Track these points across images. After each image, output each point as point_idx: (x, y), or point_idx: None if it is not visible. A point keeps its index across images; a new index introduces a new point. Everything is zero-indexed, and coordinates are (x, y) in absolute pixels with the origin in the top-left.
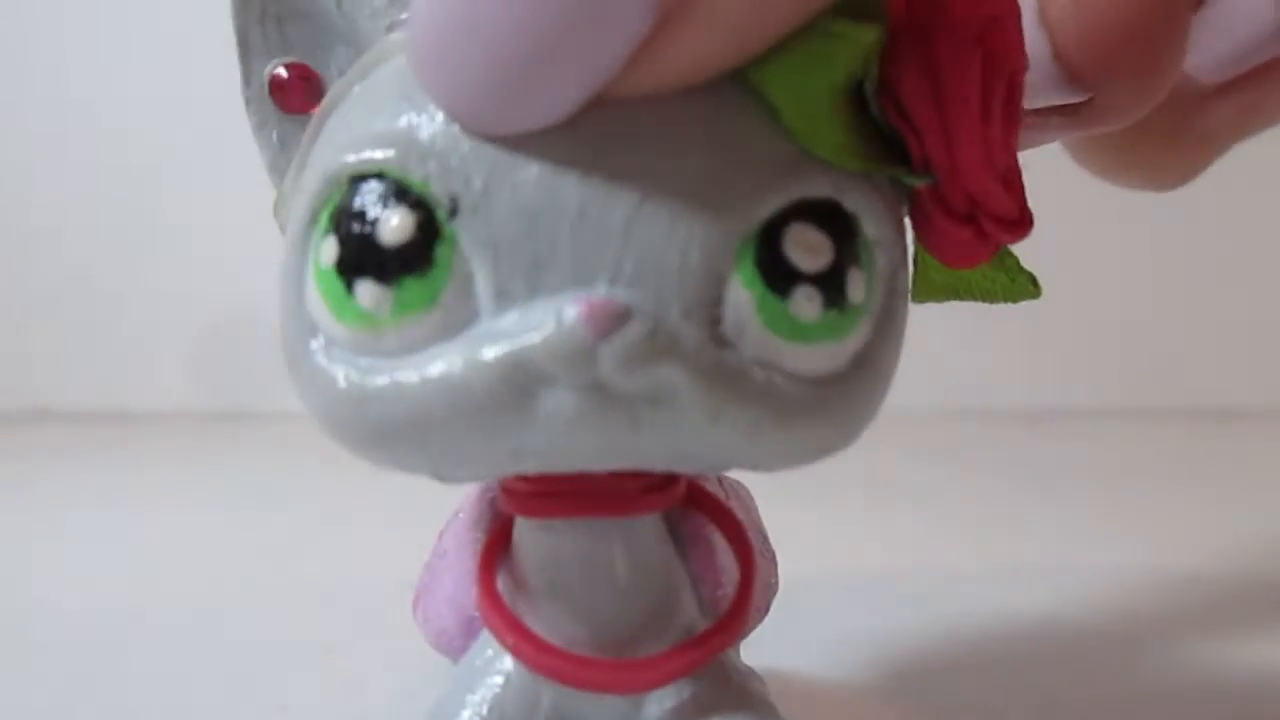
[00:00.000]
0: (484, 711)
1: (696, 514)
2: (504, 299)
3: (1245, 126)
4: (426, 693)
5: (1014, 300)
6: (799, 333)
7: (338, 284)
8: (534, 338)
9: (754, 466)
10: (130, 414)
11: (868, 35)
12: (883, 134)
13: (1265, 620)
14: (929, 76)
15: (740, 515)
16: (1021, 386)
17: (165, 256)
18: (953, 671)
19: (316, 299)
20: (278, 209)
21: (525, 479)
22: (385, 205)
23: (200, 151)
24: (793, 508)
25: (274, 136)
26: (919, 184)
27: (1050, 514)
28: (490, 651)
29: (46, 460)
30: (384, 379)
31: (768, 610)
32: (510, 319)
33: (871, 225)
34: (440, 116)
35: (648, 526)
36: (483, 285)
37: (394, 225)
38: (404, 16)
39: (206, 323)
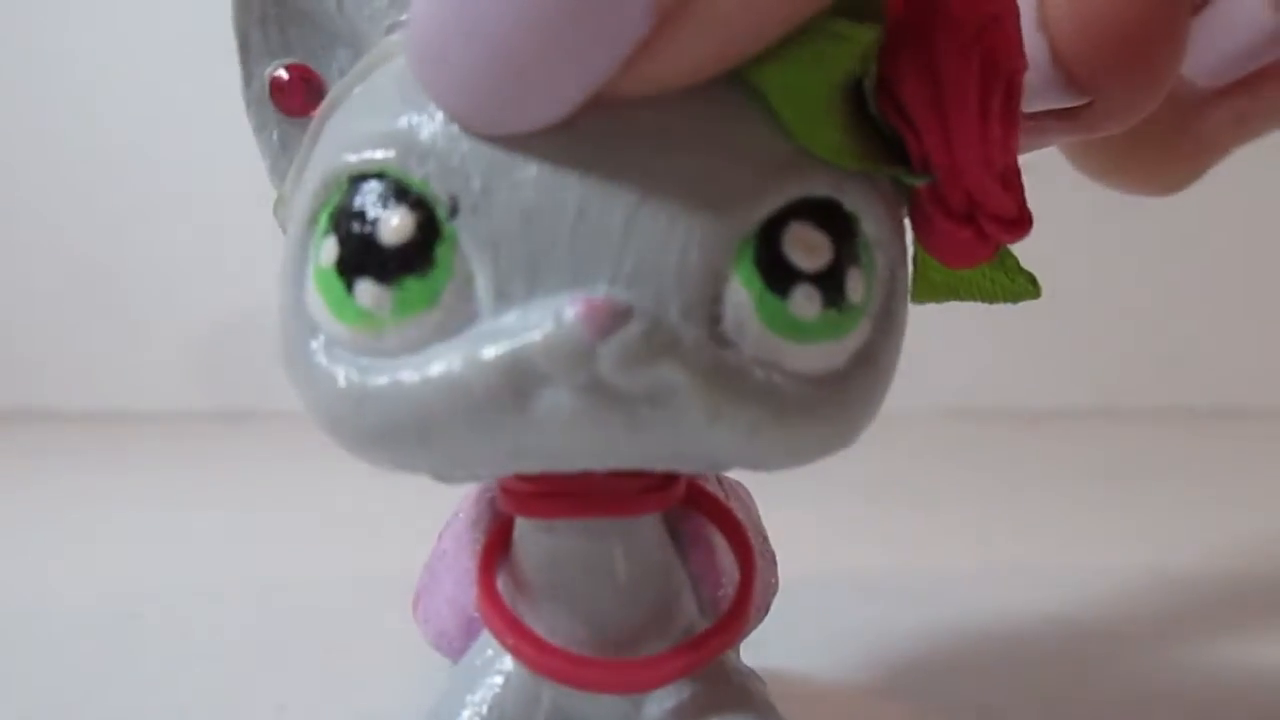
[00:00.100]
0: (484, 711)
1: (696, 514)
2: (504, 299)
3: (1243, 131)
4: (426, 693)
5: (1013, 300)
6: (798, 332)
7: (338, 284)
8: (534, 337)
9: (754, 466)
10: (130, 414)
11: (866, 35)
12: (882, 133)
13: (1265, 620)
14: (928, 76)
15: (740, 515)
16: (1021, 386)
17: (165, 256)
18: (952, 671)
19: (316, 299)
20: (278, 209)
21: (525, 479)
22: (385, 205)
23: (200, 151)
24: (793, 508)
25: (274, 138)
26: (918, 184)
27: (1050, 514)
28: (490, 651)
29: (46, 460)
30: (384, 379)
31: (768, 610)
32: (510, 318)
33: (871, 225)
34: (440, 116)
35: (647, 527)
36: (483, 285)
37: (394, 225)
38: (404, 18)
39: (206, 323)
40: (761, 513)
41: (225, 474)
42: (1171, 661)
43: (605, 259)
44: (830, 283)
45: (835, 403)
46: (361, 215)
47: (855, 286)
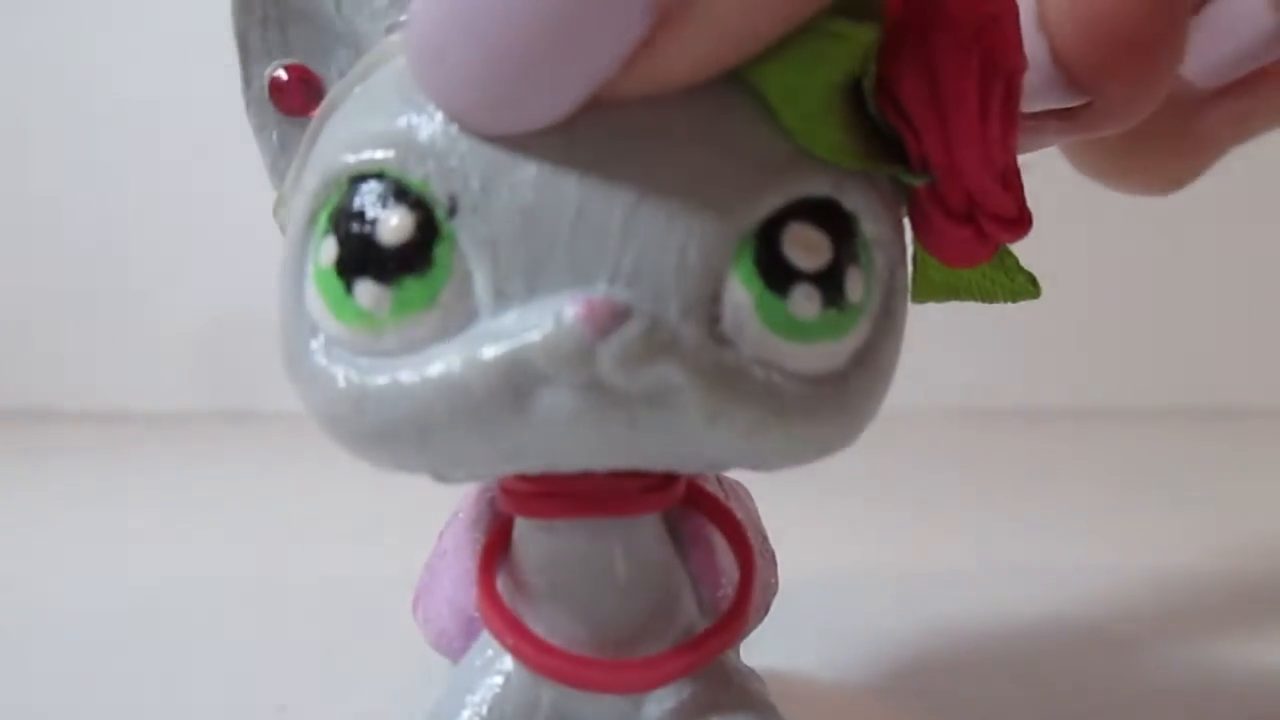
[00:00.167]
0: (484, 711)
1: (696, 514)
2: (503, 298)
3: (1242, 131)
4: (426, 693)
5: (1013, 300)
6: (798, 332)
7: (337, 284)
8: (533, 337)
9: (754, 466)
10: (130, 414)
11: (865, 35)
12: (881, 133)
13: (1265, 620)
14: (927, 75)
15: (740, 515)
16: (1021, 386)
17: (165, 256)
18: (952, 671)
19: (316, 299)
20: (277, 210)
21: (525, 479)
22: (384, 205)
23: (200, 151)
24: (792, 508)
25: (274, 138)
26: (917, 183)
27: (1050, 514)
28: (490, 652)
29: (46, 460)
30: (383, 379)
31: (767, 610)
32: (509, 318)
33: (870, 224)
34: (439, 117)
35: (647, 527)
36: (481, 284)
37: (393, 225)
38: (403, 18)
39: (206, 323)
40: (761, 513)
41: (225, 474)
42: (1171, 661)
43: (604, 258)
44: (830, 282)
45: (835, 403)
46: (361, 215)
47: (855, 286)
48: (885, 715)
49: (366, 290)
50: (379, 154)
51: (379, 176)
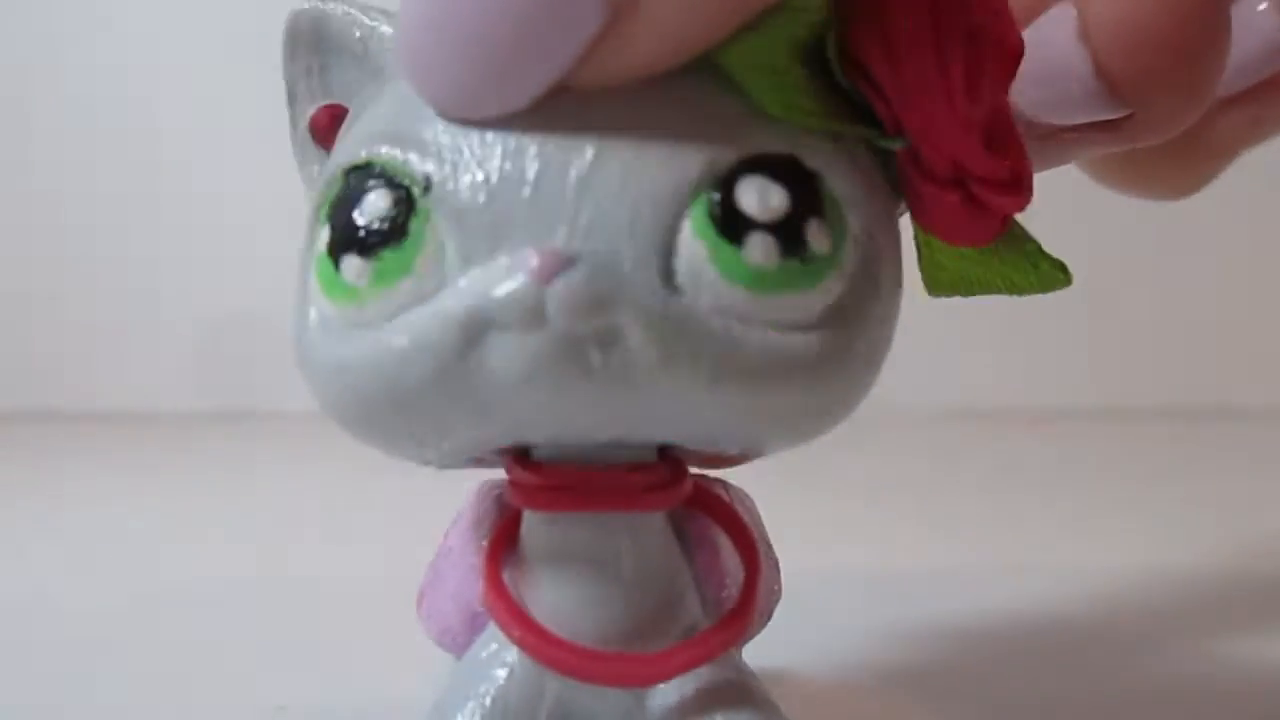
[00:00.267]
0: (487, 704)
1: (702, 516)
2: (469, 262)
3: (1252, 137)
4: (427, 692)
5: (1044, 290)
6: (757, 281)
7: (328, 264)
8: (485, 287)
9: (738, 437)
10: (130, 414)
11: (810, 3)
12: (853, 100)
13: (1265, 620)
14: (882, 36)
15: (745, 519)
16: (1021, 386)
17: (165, 256)
18: (952, 671)
19: (314, 283)
20: None
21: (532, 472)
22: (368, 189)
23: (201, 152)
24: (793, 508)
25: (316, 172)
26: (893, 146)
27: (1050, 514)
28: (495, 645)
29: (46, 460)
30: (361, 348)
31: (770, 616)
32: (470, 276)
33: (837, 183)
34: (424, 114)
35: (654, 524)
36: (452, 253)
37: (374, 203)
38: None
39: (207, 323)
40: (762, 512)
41: (225, 474)
42: (1171, 661)
43: (561, 216)
44: (788, 232)
45: (805, 359)
46: (348, 200)
47: (819, 239)
48: (885, 715)
49: (350, 265)
50: (370, 149)
51: (368, 167)
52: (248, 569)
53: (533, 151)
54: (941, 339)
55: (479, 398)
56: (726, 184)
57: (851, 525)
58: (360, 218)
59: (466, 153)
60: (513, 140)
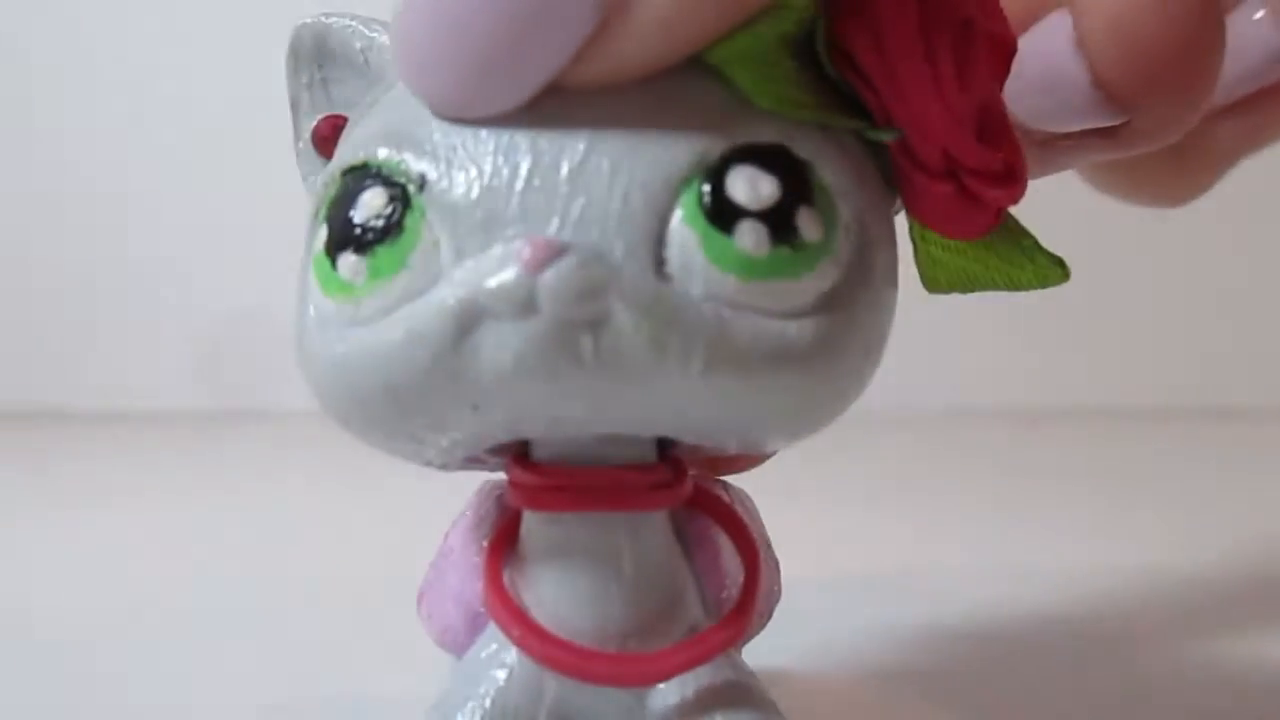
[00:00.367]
0: (487, 704)
1: (702, 516)
2: (462, 256)
3: (1250, 145)
4: (427, 692)
5: (1042, 285)
6: (748, 268)
7: (325, 263)
8: (477, 278)
9: (732, 428)
10: (130, 414)
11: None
12: (842, 92)
13: (1265, 620)
14: (871, 30)
15: (745, 519)
16: (1021, 386)
17: (165, 256)
18: (952, 671)
19: (313, 282)
20: None
21: (534, 472)
22: (364, 187)
23: (201, 152)
24: (793, 508)
25: (318, 182)
26: (883, 138)
27: (1050, 514)
28: (495, 645)
29: (47, 460)
30: (357, 345)
31: (770, 616)
32: (463, 268)
33: (828, 173)
34: (420, 115)
35: (655, 524)
36: (446, 248)
37: (369, 202)
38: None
39: (207, 322)
40: (762, 512)
41: (225, 474)
42: (1171, 661)
43: (553, 209)
44: (778, 220)
45: (797, 347)
46: (345, 199)
47: (809, 226)
48: (885, 715)
49: (346, 262)
50: (367, 150)
51: (364, 167)
52: (248, 568)
53: (525, 147)
54: (941, 339)
55: (473, 389)
56: (717, 173)
57: (851, 525)
58: (356, 215)
59: (460, 150)
60: (505, 137)
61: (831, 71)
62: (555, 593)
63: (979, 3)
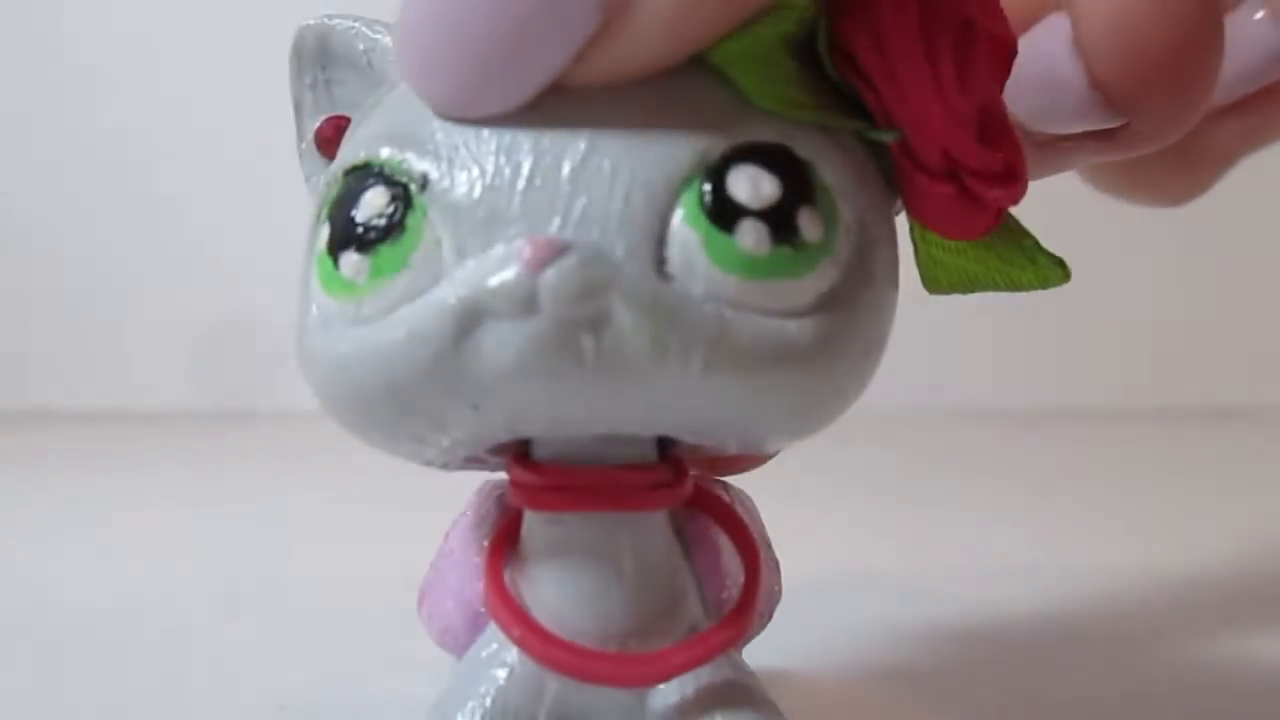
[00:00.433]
0: (488, 704)
1: (702, 516)
2: (464, 255)
3: (1250, 145)
4: (427, 693)
5: (1043, 287)
6: (749, 268)
7: (327, 262)
8: (479, 277)
9: (732, 428)
10: (130, 414)
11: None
12: (843, 93)
13: (1265, 620)
14: (872, 30)
15: (745, 519)
16: (1021, 386)
17: (165, 256)
18: (952, 671)
19: (315, 281)
20: None
21: (534, 472)
22: (367, 187)
23: (201, 152)
24: (793, 508)
25: (321, 182)
26: (884, 138)
27: (1050, 514)
28: (495, 645)
29: (46, 460)
30: (358, 344)
31: (770, 617)
32: (465, 268)
33: (828, 172)
34: (422, 115)
35: (655, 524)
36: (448, 247)
37: (372, 201)
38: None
39: (206, 323)
40: (762, 512)
41: (225, 474)
42: (1171, 661)
43: (554, 209)
44: (779, 219)
45: (798, 347)
46: (347, 198)
47: (810, 226)
48: (885, 715)
49: (349, 261)
50: (369, 150)
51: (366, 167)
52: (247, 569)
53: (526, 147)
54: (941, 339)
55: (474, 388)
56: (718, 173)
57: (851, 525)
58: (358, 215)
59: (462, 150)
60: (507, 137)
61: (832, 72)
62: (556, 592)
63: (980, 3)
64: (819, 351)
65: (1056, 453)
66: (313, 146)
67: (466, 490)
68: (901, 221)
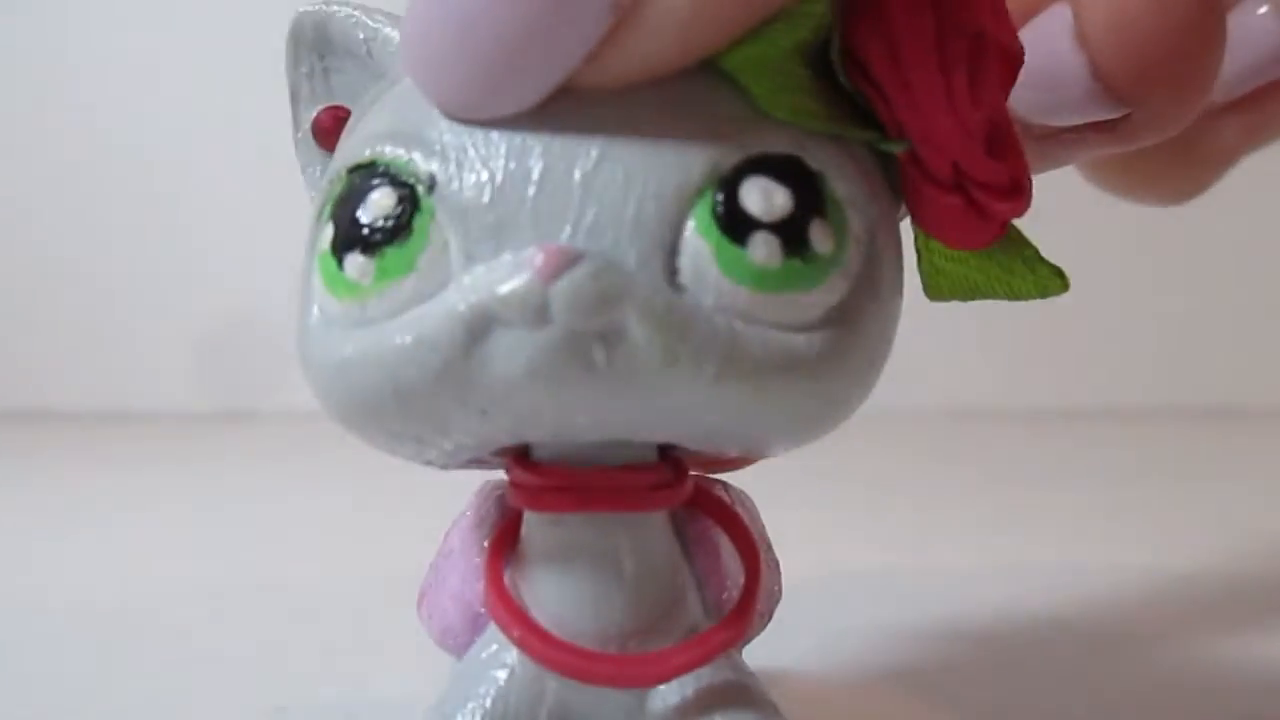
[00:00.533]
0: (487, 705)
1: (702, 517)
2: (473, 260)
3: (1252, 143)
4: (427, 693)
5: (1042, 295)
6: (760, 280)
7: (331, 262)
8: (492, 286)
9: (737, 437)
10: (130, 414)
11: (814, 8)
12: (855, 102)
13: (1265, 620)
14: (886, 40)
15: (745, 520)
16: (1021, 386)
17: (165, 256)
18: (952, 671)
19: (318, 281)
20: None
21: (534, 472)
22: (372, 187)
23: (201, 152)
24: (793, 508)
25: (317, 174)
26: (895, 149)
27: (1050, 514)
28: (495, 646)
29: (46, 460)
30: (363, 346)
31: (770, 617)
32: (475, 274)
33: (840, 184)
34: (429, 113)
35: (655, 524)
36: (455, 250)
37: (378, 201)
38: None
39: (206, 323)
40: (763, 512)
41: (225, 474)
42: (1171, 661)
43: (566, 215)
44: (791, 232)
45: (807, 360)
46: (352, 198)
47: (821, 238)
48: (885, 715)
49: (354, 262)
50: (374, 148)
51: (371, 166)
52: (248, 569)
53: (537, 151)
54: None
55: (483, 395)
56: (730, 184)
57: (851, 525)
58: (364, 215)
59: (471, 152)
60: (517, 140)
61: (844, 80)
62: (556, 593)
63: (991, 13)
64: (826, 364)
65: (1056, 453)
66: (309, 136)
67: (466, 490)
68: (905, 227)
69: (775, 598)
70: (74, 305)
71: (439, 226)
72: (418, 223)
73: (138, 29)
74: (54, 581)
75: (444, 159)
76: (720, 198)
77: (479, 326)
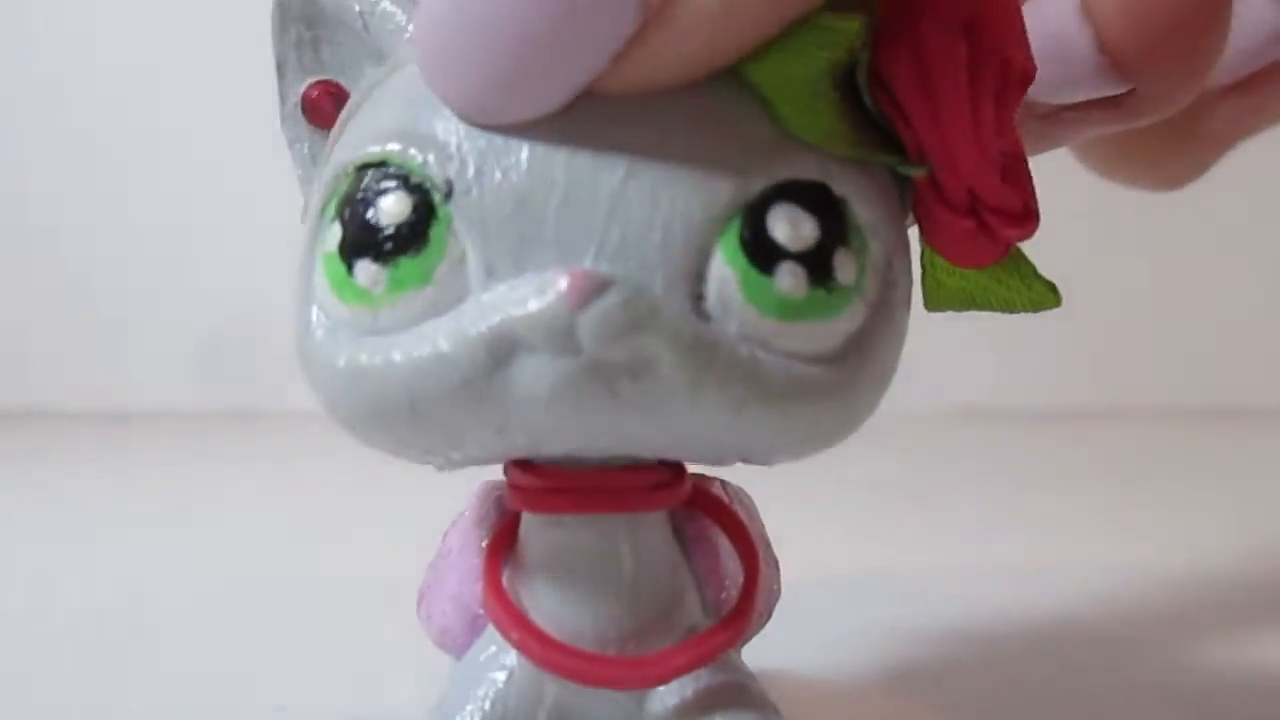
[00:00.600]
0: (487, 706)
1: (701, 516)
2: (493, 275)
3: (1247, 128)
4: (427, 693)
5: (1034, 309)
6: (785, 310)
7: (339, 266)
8: (517, 309)
9: (751, 456)
10: (130, 414)
11: (849, 25)
12: (877, 125)
13: (1265, 620)
14: (917, 65)
15: (744, 519)
16: (1022, 386)
17: (165, 256)
18: (952, 671)
19: (322, 282)
20: (304, 216)
21: (533, 474)
22: (385, 190)
23: (200, 152)
24: (793, 508)
25: (306, 150)
26: (914, 174)
27: (1051, 514)
28: (494, 647)
29: (46, 460)
30: (377, 357)
31: (770, 616)
32: (497, 293)
33: (863, 210)
34: (441, 110)
35: (654, 525)
36: (474, 263)
37: (392, 207)
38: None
39: (207, 323)
40: (762, 512)
41: (225, 474)
42: (1171, 661)
43: (590, 235)
44: (817, 262)
45: (826, 385)
46: (363, 200)
47: (845, 268)
48: (885, 715)
49: (365, 270)
50: (384, 146)
51: (382, 165)
52: (248, 569)
53: (560, 163)
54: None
55: (501, 414)
56: (758, 211)
57: (851, 525)
58: (376, 220)
59: (491, 159)
60: (540, 149)
61: (870, 104)
62: (554, 595)
63: (1018, 40)
64: (842, 389)
65: (1056, 453)
66: (297, 110)
67: (466, 490)
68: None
69: (774, 596)
70: (74, 305)
71: (456, 236)
72: (434, 232)
73: (138, 28)
74: (54, 581)
75: (462, 165)
76: (748, 226)
77: (502, 349)
